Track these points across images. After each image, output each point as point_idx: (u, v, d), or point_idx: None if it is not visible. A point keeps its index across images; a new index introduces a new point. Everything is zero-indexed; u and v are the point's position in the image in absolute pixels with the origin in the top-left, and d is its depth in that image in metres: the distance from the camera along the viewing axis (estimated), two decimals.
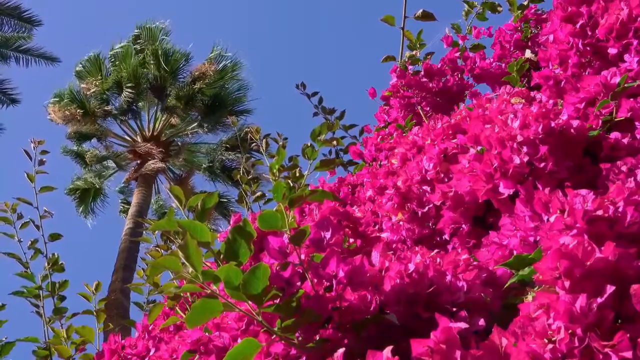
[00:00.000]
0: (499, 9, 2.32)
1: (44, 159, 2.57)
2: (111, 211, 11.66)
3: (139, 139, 11.22)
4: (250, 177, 2.48)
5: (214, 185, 11.40)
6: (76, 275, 2.44)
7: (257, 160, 3.21)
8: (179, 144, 11.49)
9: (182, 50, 11.24)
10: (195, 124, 11.29)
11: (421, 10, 2.32)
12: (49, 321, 2.21)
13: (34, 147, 2.58)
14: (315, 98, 2.99)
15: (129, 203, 11.20)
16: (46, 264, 2.38)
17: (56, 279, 2.34)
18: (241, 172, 2.51)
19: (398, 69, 2.13)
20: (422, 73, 2.10)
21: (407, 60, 2.24)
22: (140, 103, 11.22)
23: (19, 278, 2.31)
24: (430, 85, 2.07)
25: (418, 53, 2.28)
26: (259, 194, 2.30)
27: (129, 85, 10.76)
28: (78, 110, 10.57)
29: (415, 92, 2.08)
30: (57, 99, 10.76)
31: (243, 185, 2.41)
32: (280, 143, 2.38)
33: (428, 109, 2.04)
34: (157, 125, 11.32)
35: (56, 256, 2.40)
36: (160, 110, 11.27)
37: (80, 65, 11.18)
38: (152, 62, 10.87)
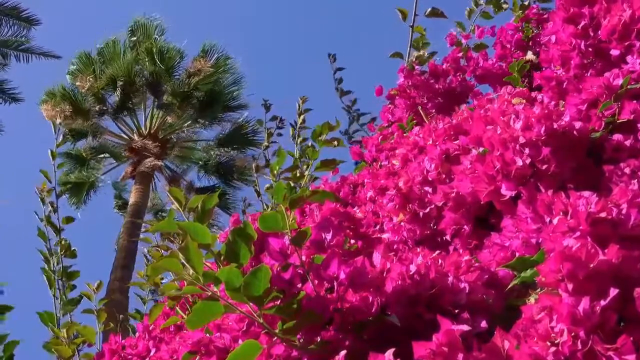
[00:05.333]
0: (504, 6, 2.32)
1: (67, 134, 2.63)
2: (107, 208, 11.62)
3: (135, 136, 11.21)
4: (265, 164, 2.49)
5: (212, 180, 11.38)
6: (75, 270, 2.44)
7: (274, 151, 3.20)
8: (175, 140, 11.47)
9: (177, 47, 11.22)
10: (191, 120, 11.27)
11: (430, 8, 2.32)
12: (63, 313, 2.22)
13: (59, 122, 2.61)
14: (337, 74, 3.02)
15: (122, 198, 11.17)
16: (59, 250, 2.38)
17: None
18: (258, 160, 2.53)
19: (405, 69, 2.12)
20: (428, 73, 2.09)
21: (414, 60, 2.23)
22: (135, 100, 11.18)
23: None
24: (437, 86, 2.06)
25: (425, 53, 2.27)
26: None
27: (124, 82, 10.74)
28: (69, 107, 10.53)
29: (420, 93, 2.07)
30: (50, 97, 10.71)
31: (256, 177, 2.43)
32: (297, 128, 2.37)
33: (434, 110, 2.03)
34: (153, 123, 11.29)
35: (68, 242, 2.41)
36: (157, 107, 11.24)
37: (74, 63, 11.15)
38: (146, 59, 10.84)
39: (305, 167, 1.96)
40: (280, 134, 2.83)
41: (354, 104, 2.99)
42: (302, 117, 2.45)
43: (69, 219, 2.50)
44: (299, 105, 2.47)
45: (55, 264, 2.35)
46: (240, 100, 11.24)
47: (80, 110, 10.67)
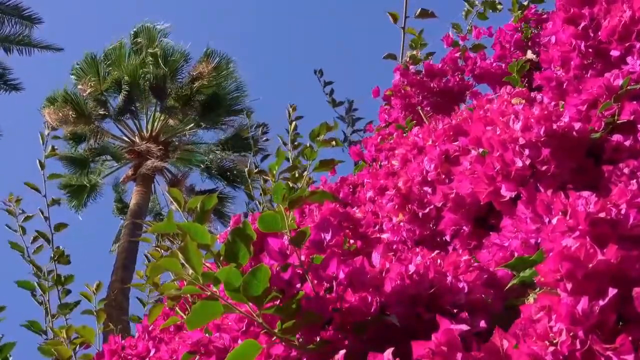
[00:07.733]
0: (498, 7, 2.33)
1: (56, 147, 2.57)
2: (108, 210, 11.60)
3: (137, 139, 11.21)
4: (257, 170, 2.49)
5: (212, 184, 11.39)
6: (72, 272, 2.42)
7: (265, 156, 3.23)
8: (177, 143, 11.47)
9: (182, 50, 11.24)
10: (193, 123, 11.29)
11: (420, 9, 2.32)
12: (54, 315, 2.22)
13: (47, 133, 2.58)
14: (327, 88, 3.07)
15: (122, 202, 11.17)
16: (52, 256, 2.36)
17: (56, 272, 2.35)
18: (249, 166, 2.53)
19: (401, 68, 2.13)
20: (424, 73, 2.10)
21: (408, 60, 2.24)
22: (138, 103, 11.20)
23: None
24: (432, 85, 2.07)
25: (419, 53, 2.28)
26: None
27: (127, 85, 10.75)
28: (71, 112, 10.52)
29: (416, 92, 2.07)
30: (51, 102, 10.71)
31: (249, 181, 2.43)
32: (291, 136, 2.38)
33: (429, 109, 2.04)
34: (155, 126, 11.30)
35: (62, 248, 2.39)
36: (159, 110, 11.26)
37: (77, 66, 11.15)
38: (151, 62, 10.85)
39: (303, 168, 1.96)
40: (267, 140, 2.86)
41: (350, 110, 3.01)
42: (293, 124, 2.46)
43: (62, 226, 2.47)
44: (289, 113, 2.48)
45: (40, 270, 2.33)
46: (242, 104, 11.26)
47: (82, 114, 10.67)
